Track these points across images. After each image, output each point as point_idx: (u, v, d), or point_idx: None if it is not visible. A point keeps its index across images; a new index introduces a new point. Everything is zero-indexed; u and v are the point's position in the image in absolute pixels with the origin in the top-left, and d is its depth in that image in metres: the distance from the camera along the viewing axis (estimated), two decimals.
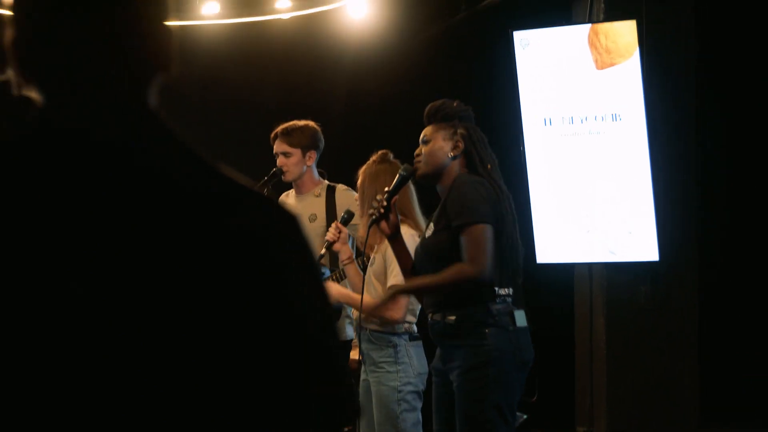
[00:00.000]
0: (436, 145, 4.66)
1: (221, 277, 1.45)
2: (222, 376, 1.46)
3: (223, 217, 1.50)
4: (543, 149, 7.02)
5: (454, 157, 4.66)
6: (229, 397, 1.47)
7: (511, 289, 4.59)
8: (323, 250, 5.50)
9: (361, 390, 5.56)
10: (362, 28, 7.80)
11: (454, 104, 4.76)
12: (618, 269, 7.04)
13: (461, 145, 4.67)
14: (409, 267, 4.76)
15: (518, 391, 4.60)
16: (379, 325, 5.42)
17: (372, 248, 5.42)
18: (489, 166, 4.70)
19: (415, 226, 5.25)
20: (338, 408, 1.55)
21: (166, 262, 1.45)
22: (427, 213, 5.08)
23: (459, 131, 4.68)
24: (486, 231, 4.46)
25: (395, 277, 5.34)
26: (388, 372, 5.38)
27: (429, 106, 4.78)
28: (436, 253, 4.57)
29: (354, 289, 5.54)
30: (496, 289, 4.53)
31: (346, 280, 5.74)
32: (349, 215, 5.65)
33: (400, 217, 4.86)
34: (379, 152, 5.57)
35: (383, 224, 4.68)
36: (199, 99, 8.72)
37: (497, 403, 4.51)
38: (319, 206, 6.10)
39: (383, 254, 5.31)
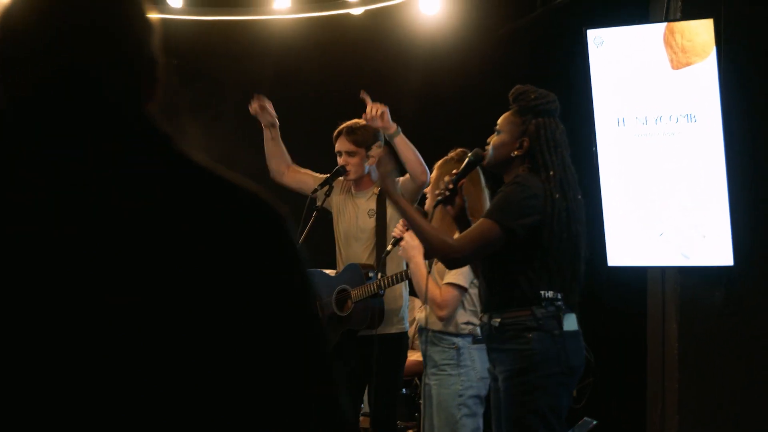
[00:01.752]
0: (503, 140, 4.62)
1: (213, 276, 1.50)
2: (216, 375, 1.49)
3: (215, 217, 1.48)
4: (616, 150, 6.89)
5: (516, 156, 4.57)
6: (223, 396, 1.49)
7: (560, 294, 4.47)
8: (389, 247, 5.45)
9: (424, 394, 5.51)
10: (434, 25, 7.73)
11: (532, 96, 4.66)
12: (692, 273, 6.87)
13: (526, 144, 4.59)
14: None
15: (566, 396, 4.49)
16: (442, 326, 5.36)
17: None
18: (552, 173, 4.58)
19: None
20: (334, 410, 1.51)
21: (159, 262, 1.52)
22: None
23: (529, 128, 4.57)
24: (493, 231, 4.42)
25: (454, 274, 5.27)
26: (450, 375, 5.33)
27: (515, 88, 4.73)
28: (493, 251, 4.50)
29: (418, 286, 5.49)
30: (542, 292, 4.43)
31: (396, 285, 5.70)
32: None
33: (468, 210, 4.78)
34: (458, 149, 5.56)
35: (449, 207, 4.60)
36: (270, 94, 8.72)
37: (540, 409, 4.43)
38: (375, 202, 6.06)
39: None
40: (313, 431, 1.52)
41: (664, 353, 6.99)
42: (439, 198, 4.66)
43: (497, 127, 4.66)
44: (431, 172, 5.63)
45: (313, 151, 6.46)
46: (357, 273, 5.97)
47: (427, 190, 5.58)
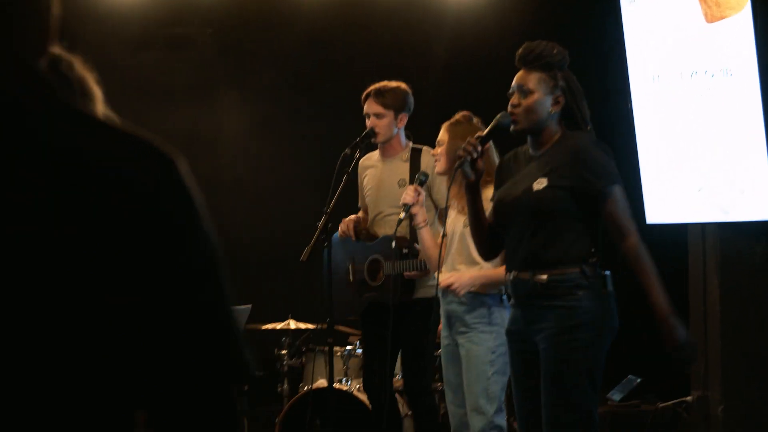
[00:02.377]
0: (538, 98, 4.43)
1: (102, 219, 1.46)
2: (108, 318, 1.46)
3: (102, 161, 1.49)
4: (651, 106, 6.84)
5: (554, 113, 4.48)
6: (118, 338, 1.47)
7: (600, 253, 4.44)
8: (402, 214, 5.41)
9: (445, 356, 5.50)
10: None
11: (554, 51, 4.47)
12: (732, 229, 6.82)
13: (562, 100, 4.46)
14: (483, 222, 4.61)
15: (605, 357, 4.45)
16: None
17: (454, 200, 5.35)
18: (589, 127, 4.54)
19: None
20: (229, 365, 1.55)
21: (45, 215, 1.45)
22: None
23: (560, 84, 4.47)
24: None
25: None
26: (482, 332, 5.32)
27: (525, 47, 4.50)
28: (550, 207, 4.37)
29: (427, 254, 5.49)
30: (592, 250, 4.38)
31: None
32: (425, 176, 5.56)
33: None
34: (463, 113, 5.52)
35: (467, 171, 4.45)
36: (298, 61, 8.73)
37: (588, 368, 4.35)
38: (405, 170, 6.04)
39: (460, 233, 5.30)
40: (211, 374, 1.51)
41: (706, 309, 6.96)
42: (466, 159, 4.44)
43: (523, 87, 4.44)
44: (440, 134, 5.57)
45: (345, 116, 6.45)
46: (393, 246, 5.97)
47: (437, 151, 5.53)
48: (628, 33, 6.82)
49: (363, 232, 6.27)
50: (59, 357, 1.44)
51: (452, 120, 5.58)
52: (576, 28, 7.81)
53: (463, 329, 5.36)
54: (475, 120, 5.52)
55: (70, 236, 1.43)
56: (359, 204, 6.32)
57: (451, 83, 8.38)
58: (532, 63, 4.46)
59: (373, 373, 6.10)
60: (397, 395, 6.46)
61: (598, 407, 4.54)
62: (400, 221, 5.46)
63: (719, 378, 6.85)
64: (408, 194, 5.42)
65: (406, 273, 5.83)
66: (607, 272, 4.40)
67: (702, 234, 7.00)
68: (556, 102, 4.44)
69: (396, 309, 5.75)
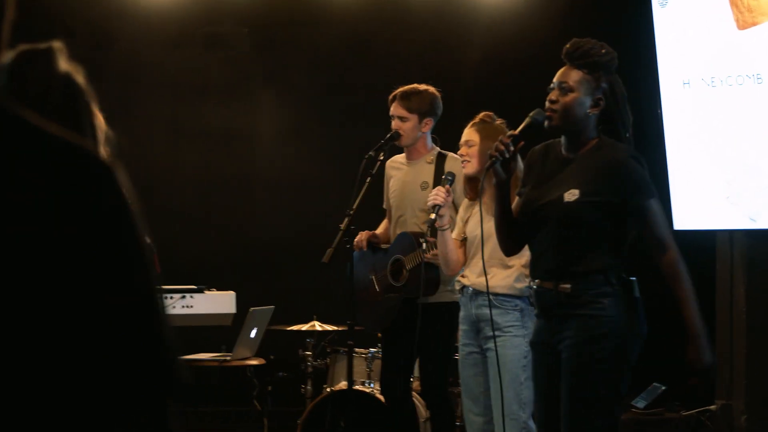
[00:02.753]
0: (577, 98, 4.28)
1: (35, 224, 1.48)
2: (39, 321, 1.48)
3: (36, 166, 1.51)
4: (681, 111, 6.80)
5: (592, 115, 4.40)
6: (48, 339, 1.48)
7: (625, 260, 4.35)
8: (432, 215, 5.39)
9: (466, 363, 5.46)
10: None
11: (603, 51, 4.32)
12: (760, 237, 6.77)
13: (602, 103, 4.32)
14: (510, 220, 4.49)
15: (631, 366, 4.35)
16: (506, 288, 5.31)
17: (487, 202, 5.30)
18: (629, 134, 4.42)
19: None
20: (160, 374, 1.52)
21: None
22: None
23: (603, 86, 4.36)
24: (660, 206, 4.29)
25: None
26: (515, 336, 5.28)
27: (573, 42, 4.34)
28: (580, 221, 4.28)
29: (448, 256, 5.46)
30: (616, 259, 4.30)
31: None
32: (452, 176, 5.53)
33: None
34: (485, 113, 5.48)
35: (499, 171, 4.33)
36: (333, 61, 8.74)
37: (614, 379, 4.26)
38: (429, 173, 6.02)
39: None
40: (137, 381, 1.52)
41: (732, 317, 6.91)
42: (495, 159, 4.29)
43: (564, 84, 4.29)
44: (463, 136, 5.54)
45: (379, 118, 6.43)
46: (409, 241, 5.96)
47: (466, 152, 5.48)
48: (660, 38, 6.79)
49: (381, 243, 6.27)
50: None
51: (477, 120, 5.52)
52: (608, 32, 7.70)
53: (496, 333, 5.31)
54: (498, 121, 5.49)
55: (11, 244, 1.44)
56: (384, 206, 6.31)
57: (484, 85, 8.37)
58: (577, 60, 4.30)
59: (391, 373, 6.09)
60: (415, 398, 6.44)
61: (620, 418, 4.47)
62: (431, 222, 5.41)
63: (743, 387, 6.80)
64: (439, 195, 5.37)
65: (428, 256, 5.77)
66: (633, 278, 4.31)
67: (730, 241, 6.96)
68: (596, 104, 4.28)
69: (417, 312, 5.74)
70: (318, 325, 7.07)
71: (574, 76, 4.30)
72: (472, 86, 8.46)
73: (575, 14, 8.02)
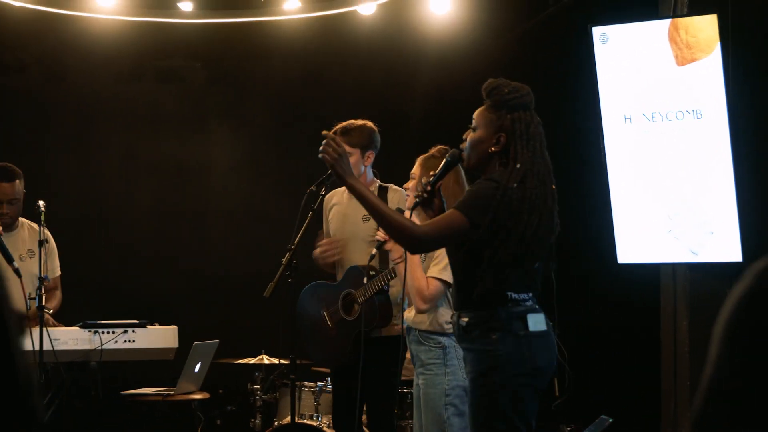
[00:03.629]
0: (480, 136, 4.45)
1: None
2: None
3: None
4: (623, 147, 6.87)
5: (493, 153, 4.46)
6: None
7: (529, 293, 4.41)
8: (374, 251, 5.44)
9: (414, 395, 5.52)
10: (443, 24, 7.75)
11: (506, 90, 4.44)
12: (701, 270, 6.84)
13: (503, 140, 4.38)
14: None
15: (532, 398, 4.41)
16: (428, 325, 5.37)
17: None
18: (518, 165, 4.46)
19: None
20: (22, 417, 1.55)
21: None
22: None
23: (504, 124, 4.39)
24: (460, 221, 4.27)
25: (437, 266, 5.29)
26: (436, 375, 5.34)
27: (488, 82, 4.51)
28: (459, 249, 4.40)
29: (416, 286, 5.50)
30: (509, 293, 4.36)
31: (395, 280, 5.72)
32: (400, 212, 5.59)
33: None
34: (439, 146, 5.54)
35: (428, 210, 4.56)
36: (285, 95, 8.80)
37: (505, 411, 4.32)
38: None
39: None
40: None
41: (676, 349, 6.97)
42: (417, 200, 4.56)
43: (473, 123, 4.48)
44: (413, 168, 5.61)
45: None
46: (359, 274, 6.00)
47: (409, 186, 5.56)
48: (601, 73, 6.87)
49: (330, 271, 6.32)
50: None
51: (427, 154, 5.60)
52: (550, 68, 7.88)
53: (420, 370, 5.40)
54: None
55: None
56: (324, 232, 6.35)
57: (434, 117, 8.44)
58: (486, 99, 4.48)
59: (342, 408, 6.12)
60: None
61: None
62: (372, 257, 5.47)
63: (689, 418, 6.85)
64: (380, 231, 5.42)
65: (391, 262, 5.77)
66: (532, 314, 4.37)
67: (673, 274, 7.03)
68: (497, 142, 4.41)
69: (368, 344, 5.78)
70: (266, 359, 7.10)
71: (481, 115, 4.48)
72: (422, 117, 8.54)
73: (521, 50, 8.11)
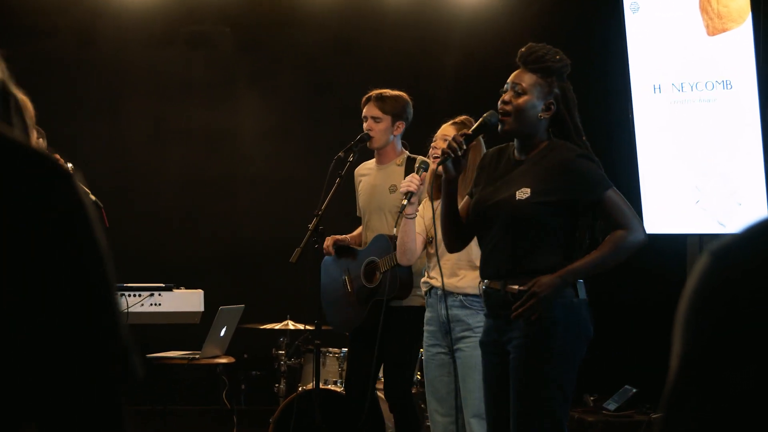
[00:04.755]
0: (530, 101, 4.31)
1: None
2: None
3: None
4: (652, 117, 6.85)
5: (543, 119, 4.37)
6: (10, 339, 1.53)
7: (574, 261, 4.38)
8: (405, 201, 5.41)
9: (432, 364, 5.50)
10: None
11: (557, 57, 4.33)
12: None
13: (553, 107, 4.31)
14: (456, 219, 4.53)
15: (577, 366, 4.38)
16: (475, 289, 5.33)
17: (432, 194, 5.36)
18: (584, 137, 4.47)
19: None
20: (116, 363, 1.56)
21: None
22: None
23: (555, 91, 4.32)
24: (617, 194, 4.28)
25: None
26: None
27: (528, 46, 4.36)
28: (530, 219, 4.29)
29: (407, 246, 5.51)
30: (563, 260, 4.33)
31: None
32: (427, 165, 5.57)
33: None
34: (465, 117, 5.51)
35: (449, 168, 4.36)
36: (316, 62, 8.79)
37: (558, 378, 4.31)
38: (398, 177, 6.06)
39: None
40: (97, 378, 1.56)
41: None
42: (446, 156, 4.34)
43: (517, 86, 4.32)
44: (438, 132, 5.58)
45: (360, 119, 6.46)
46: (385, 243, 6.01)
47: (438, 145, 5.50)
48: (631, 43, 6.84)
49: (352, 244, 6.33)
50: None
51: (457, 120, 5.56)
52: (581, 37, 7.82)
53: (466, 333, 5.35)
54: None
55: None
56: (357, 213, 6.36)
57: (464, 87, 8.42)
58: (531, 64, 4.33)
59: (355, 372, 6.13)
60: (380, 399, 6.49)
61: (568, 417, 4.50)
62: (403, 207, 5.44)
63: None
64: (413, 182, 5.40)
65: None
66: (580, 280, 4.35)
67: (700, 245, 7.01)
68: (547, 108, 4.32)
69: (386, 314, 5.78)
70: (291, 324, 7.13)
71: (528, 79, 4.33)
72: (452, 87, 8.52)
73: (550, 19, 8.07)
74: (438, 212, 5.36)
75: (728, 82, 6.56)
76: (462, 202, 4.62)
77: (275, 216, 8.53)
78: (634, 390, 7.45)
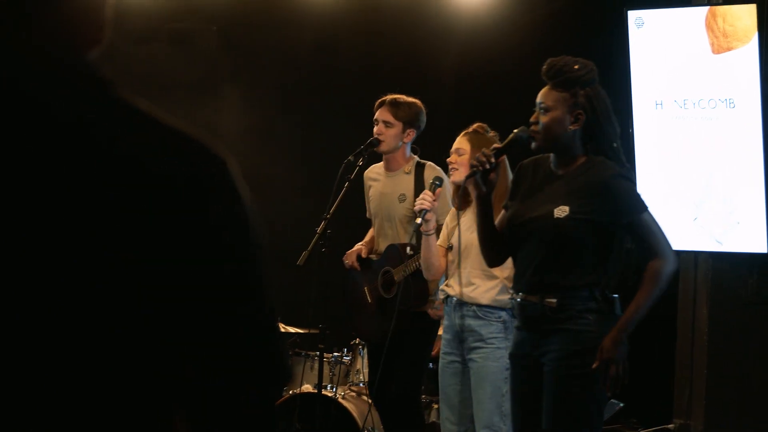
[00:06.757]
0: (556, 117, 4.35)
1: (155, 217, 1.46)
2: (157, 324, 1.47)
3: (157, 160, 1.48)
4: (653, 133, 6.86)
5: (574, 131, 4.37)
6: (162, 342, 1.47)
7: (612, 278, 4.38)
8: (419, 220, 5.39)
9: (446, 372, 5.47)
10: (474, 5, 7.69)
11: (576, 67, 4.36)
12: (724, 259, 6.84)
13: (582, 117, 4.32)
14: (494, 234, 4.53)
15: None
16: (489, 300, 5.31)
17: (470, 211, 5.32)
18: (615, 144, 4.45)
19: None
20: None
21: (96, 209, 1.44)
22: None
23: (580, 101, 4.33)
24: (652, 217, 4.34)
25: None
26: (498, 348, 5.28)
27: (549, 62, 4.40)
28: (568, 237, 4.29)
29: (430, 261, 5.49)
30: (602, 276, 4.32)
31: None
32: (440, 181, 5.55)
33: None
34: (480, 123, 5.49)
35: (478, 183, 4.39)
36: (303, 64, 8.72)
37: (594, 394, 4.29)
38: (407, 184, 6.03)
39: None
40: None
41: (694, 339, 6.97)
42: (475, 170, 4.37)
43: (543, 104, 4.35)
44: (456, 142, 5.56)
45: (347, 123, 6.45)
46: (396, 252, 6.00)
47: (455, 159, 5.47)
48: (635, 58, 6.84)
49: (373, 254, 6.32)
50: (108, 348, 1.44)
51: (470, 129, 5.53)
52: (583, 49, 7.80)
53: (479, 344, 5.33)
54: (492, 133, 5.51)
55: (127, 236, 1.44)
56: (367, 215, 6.33)
57: (460, 95, 8.40)
58: (552, 79, 4.38)
59: (382, 378, 6.09)
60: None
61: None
62: (417, 226, 5.42)
63: (703, 407, 6.86)
64: (426, 199, 5.38)
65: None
66: (615, 295, 4.36)
67: (694, 263, 7.02)
68: (575, 120, 4.34)
69: (402, 319, 5.74)
70: (282, 327, 7.05)
71: (552, 95, 4.37)
72: (448, 95, 8.49)
73: (552, 30, 8.07)
74: (463, 222, 5.36)
75: (731, 101, 6.59)
76: (498, 217, 4.60)
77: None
78: (621, 404, 7.44)
